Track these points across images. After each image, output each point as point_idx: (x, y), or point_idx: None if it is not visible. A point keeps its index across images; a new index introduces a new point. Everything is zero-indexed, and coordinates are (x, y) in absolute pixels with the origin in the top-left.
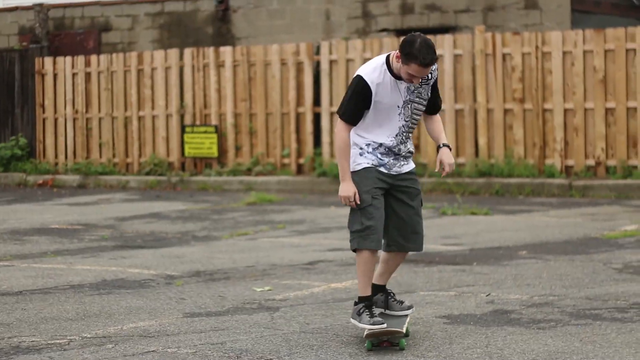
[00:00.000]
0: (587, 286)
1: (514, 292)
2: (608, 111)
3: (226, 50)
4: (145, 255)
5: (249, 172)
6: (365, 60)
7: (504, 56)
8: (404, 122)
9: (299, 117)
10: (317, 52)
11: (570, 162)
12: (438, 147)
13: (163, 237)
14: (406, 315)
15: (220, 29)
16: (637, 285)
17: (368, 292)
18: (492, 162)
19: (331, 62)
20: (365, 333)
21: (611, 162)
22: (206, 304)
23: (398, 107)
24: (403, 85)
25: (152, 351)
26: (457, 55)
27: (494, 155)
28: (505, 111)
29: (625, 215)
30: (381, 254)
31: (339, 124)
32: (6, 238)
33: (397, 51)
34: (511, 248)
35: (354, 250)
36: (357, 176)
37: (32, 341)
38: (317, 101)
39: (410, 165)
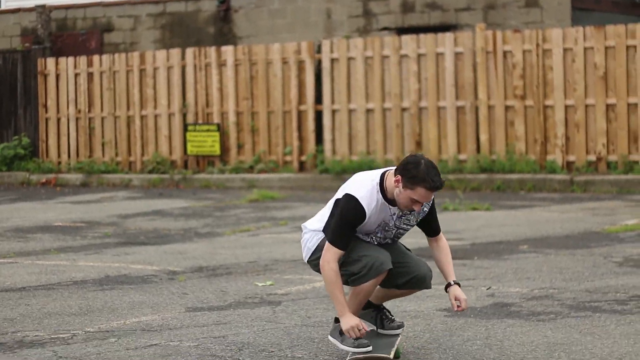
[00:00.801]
0: (587, 279)
1: (515, 285)
2: (609, 107)
3: (228, 50)
4: (148, 252)
5: (251, 169)
6: (367, 59)
7: (504, 53)
8: (378, 238)
9: (300, 115)
10: (319, 51)
11: (571, 157)
12: (448, 285)
13: (166, 233)
14: (397, 335)
15: (222, 29)
16: (637, 278)
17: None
18: (493, 158)
19: (332, 61)
20: (347, 358)
21: (612, 158)
22: (208, 299)
23: (379, 226)
24: (392, 210)
25: (155, 345)
26: (458, 53)
27: (496, 152)
28: (507, 108)
29: (626, 209)
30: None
31: (330, 252)
32: (10, 236)
33: (396, 174)
34: (512, 242)
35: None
36: None
37: (35, 336)
38: (318, 99)
39: None
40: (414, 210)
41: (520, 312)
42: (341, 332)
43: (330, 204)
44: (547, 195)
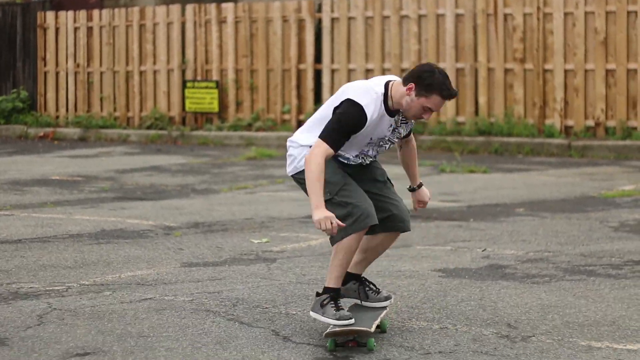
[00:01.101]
0: (583, 243)
1: (510, 247)
2: (608, 72)
3: (228, 7)
4: (145, 207)
5: (249, 127)
6: (367, 19)
7: (505, 16)
8: (370, 151)
9: (299, 74)
10: (319, 10)
11: (569, 122)
12: (419, 185)
13: (163, 189)
14: (383, 308)
15: None
16: (632, 243)
17: (339, 285)
18: (492, 121)
19: (333, 20)
20: (327, 330)
21: (611, 123)
22: (204, 255)
23: (371, 139)
24: (390, 122)
25: (149, 298)
26: (458, 14)
27: (494, 114)
28: (506, 71)
29: (623, 175)
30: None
31: (321, 148)
32: (6, 188)
33: (409, 83)
34: (508, 205)
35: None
36: None
37: (30, 287)
38: (318, 58)
39: None
40: (422, 118)
41: (514, 274)
42: (322, 305)
43: (323, 114)
44: (544, 159)
